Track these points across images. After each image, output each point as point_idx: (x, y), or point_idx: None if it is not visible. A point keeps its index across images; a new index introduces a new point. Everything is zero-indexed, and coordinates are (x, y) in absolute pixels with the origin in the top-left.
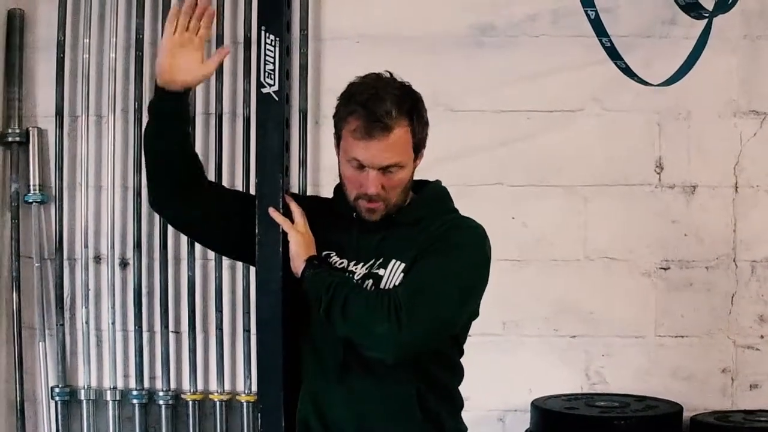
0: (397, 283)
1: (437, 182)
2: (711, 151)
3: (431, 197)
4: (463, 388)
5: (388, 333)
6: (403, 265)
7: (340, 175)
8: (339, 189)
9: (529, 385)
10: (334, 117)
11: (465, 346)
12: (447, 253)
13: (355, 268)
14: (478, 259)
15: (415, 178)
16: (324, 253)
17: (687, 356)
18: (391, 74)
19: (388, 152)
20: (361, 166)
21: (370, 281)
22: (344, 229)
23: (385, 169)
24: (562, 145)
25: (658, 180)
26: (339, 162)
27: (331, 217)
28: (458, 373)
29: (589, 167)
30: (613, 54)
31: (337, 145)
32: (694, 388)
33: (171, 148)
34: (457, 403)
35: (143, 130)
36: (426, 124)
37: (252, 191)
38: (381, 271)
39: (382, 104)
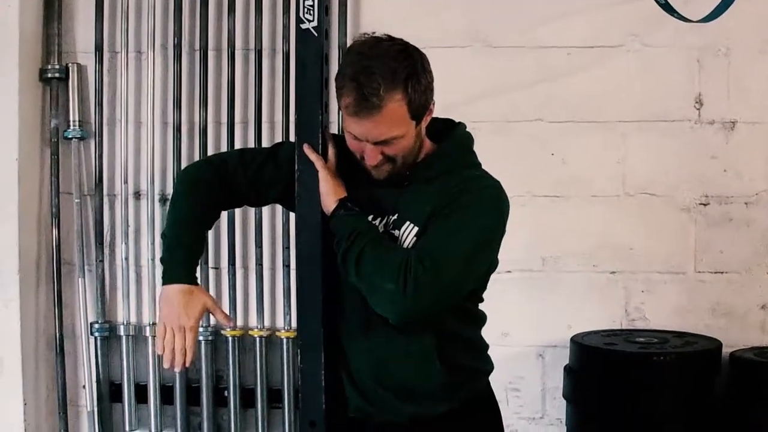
0: (409, 248)
1: (461, 128)
2: (750, 87)
3: (450, 150)
4: (503, 324)
5: (393, 294)
6: (416, 229)
7: None
8: None
9: (568, 321)
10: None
11: (504, 281)
12: (459, 219)
13: (374, 223)
14: (490, 222)
15: (444, 116)
16: None
17: (726, 292)
18: (390, 37)
19: (380, 128)
20: (358, 138)
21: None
22: (359, 176)
23: (381, 142)
24: (602, 81)
25: (697, 116)
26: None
27: (347, 157)
28: (478, 320)
29: (628, 103)
30: None
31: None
32: (733, 323)
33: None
34: (480, 347)
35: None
36: (426, 88)
37: (292, 128)
38: (396, 232)
39: (373, 80)
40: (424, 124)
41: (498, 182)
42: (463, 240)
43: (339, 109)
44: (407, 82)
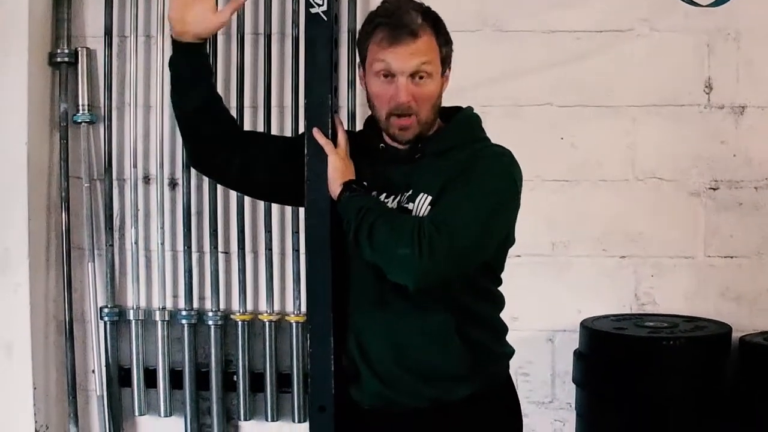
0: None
1: (468, 109)
2: (760, 72)
3: (460, 126)
4: (513, 309)
5: (410, 258)
6: (429, 198)
7: (368, 101)
8: (369, 121)
9: (578, 305)
10: (358, 42)
11: (514, 266)
12: (470, 184)
13: (385, 201)
14: (503, 186)
15: (452, 103)
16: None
17: (736, 276)
18: None
19: (416, 55)
20: (389, 75)
21: None
22: (371, 161)
23: (414, 76)
24: (611, 65)
25: (707, 100)
26: (366, 85)
27: (358, 151)
28: (497, 302)
29: (638, 88)
30: None
31: (362, 71)
32: (743, 308)
33: (198, 105)
34: (498, 329)
35: (170, 89)
36: (449, 41)
37: (301, 113)
38: (410, 206)
39: (407, 14)
40: (444, 84)
41: (509, 150)
42: (476, 203)
43: (363, 61)
44: (436, 25)
